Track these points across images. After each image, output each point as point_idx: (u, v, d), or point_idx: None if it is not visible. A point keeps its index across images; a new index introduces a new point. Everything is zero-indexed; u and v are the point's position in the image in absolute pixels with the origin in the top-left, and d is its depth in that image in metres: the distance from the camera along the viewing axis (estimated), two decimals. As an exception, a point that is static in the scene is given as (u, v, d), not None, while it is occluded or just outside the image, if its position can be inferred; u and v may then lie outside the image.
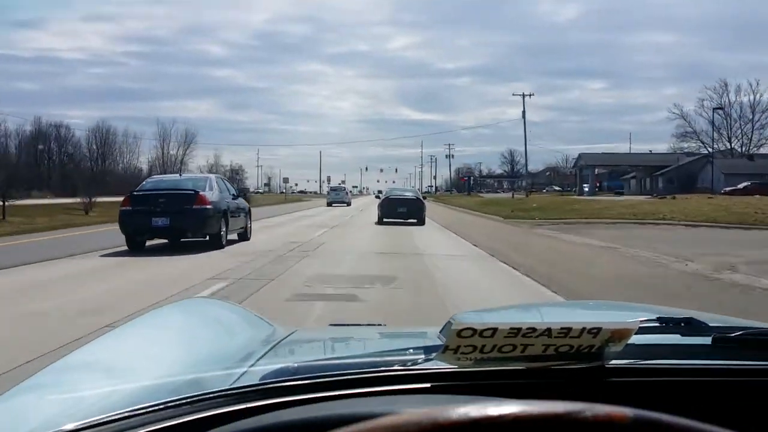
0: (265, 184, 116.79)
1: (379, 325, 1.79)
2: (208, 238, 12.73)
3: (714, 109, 66.22)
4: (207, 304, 1.77)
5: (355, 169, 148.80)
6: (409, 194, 24.86)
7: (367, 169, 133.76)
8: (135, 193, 13.15)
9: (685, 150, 72.10)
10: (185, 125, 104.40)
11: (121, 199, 13.71)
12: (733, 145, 73.09)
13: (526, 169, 64.42)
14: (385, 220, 22.46)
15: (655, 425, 0.40)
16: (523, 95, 59.97)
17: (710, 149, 66.28)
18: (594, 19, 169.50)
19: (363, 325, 1.90)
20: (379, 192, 71.81)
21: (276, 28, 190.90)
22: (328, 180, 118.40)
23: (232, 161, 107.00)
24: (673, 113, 75.56)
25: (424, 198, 29.24)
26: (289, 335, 1.36)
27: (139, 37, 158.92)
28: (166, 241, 12.99)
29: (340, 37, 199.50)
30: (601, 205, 29.64)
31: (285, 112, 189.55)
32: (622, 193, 63.75)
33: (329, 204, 47.42)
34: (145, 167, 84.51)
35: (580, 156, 77.56)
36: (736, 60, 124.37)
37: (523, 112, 57.75)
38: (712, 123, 65.76)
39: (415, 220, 21.99)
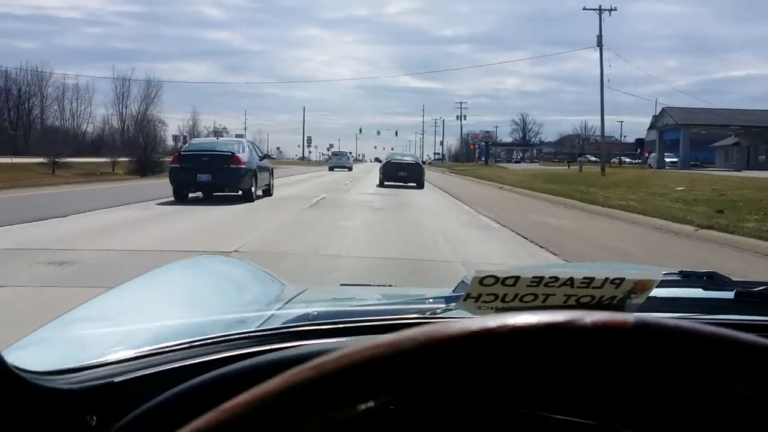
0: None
1: (389, 286, 1.90)
2: (241, 192, 16.99)
3: None
4: (215, 261, 1.89)
5: (351, 135, 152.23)
6: (409, 159, 29.08)
7: (361, 131, 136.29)
8: (182, 153, 17.43)
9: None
10: (148, 76, 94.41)
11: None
12: None
13: (602, 127, 44.10)
14: (386, 183, 26.60)
15: (658, 330, 0.43)
16: (600, 10, 42.17)
17: None
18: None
19: (374, 285, 2.10)
20: (377, 159, 74.99)
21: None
22: (309, 141, 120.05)
23: (216, 122, 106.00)
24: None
25: (424, 163, 32.71)
26: (301, 293, 1.46)
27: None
28: (200, 194, 17.12)
29: (339, 1, 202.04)
30: None
31: (281, 77, 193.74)
32: (699, 166, 51.80)
33: (331, 168, 55.79)
34: (93, 126, 76.01)
35: (664, 112, 59.95)
36: (737, 32, 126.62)
37: (599, 37, 41.69)
38: None
39: (414, 184, 26.09)
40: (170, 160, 17.76)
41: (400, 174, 26.63)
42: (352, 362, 0.43)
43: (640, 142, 76.37)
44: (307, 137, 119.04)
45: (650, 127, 65.87)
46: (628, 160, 69.43)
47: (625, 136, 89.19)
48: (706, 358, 0.43)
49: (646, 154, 66.87)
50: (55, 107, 77.33)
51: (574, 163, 60.02)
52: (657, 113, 63.73)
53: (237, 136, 50.45)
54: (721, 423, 0.56)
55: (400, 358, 0.43)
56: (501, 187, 27.42)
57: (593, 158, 73.63)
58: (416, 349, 0.42)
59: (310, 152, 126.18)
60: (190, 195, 16.96)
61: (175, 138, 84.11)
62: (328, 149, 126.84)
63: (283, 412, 0.42)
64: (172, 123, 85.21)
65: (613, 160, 62.10)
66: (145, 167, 34.90)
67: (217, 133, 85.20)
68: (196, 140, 21.77)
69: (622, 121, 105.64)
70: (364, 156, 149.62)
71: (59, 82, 79.60)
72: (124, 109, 78.64)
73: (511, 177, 34.58)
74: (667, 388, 0.54)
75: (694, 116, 55.56)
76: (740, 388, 0.44)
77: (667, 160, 55.18)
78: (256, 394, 0.43)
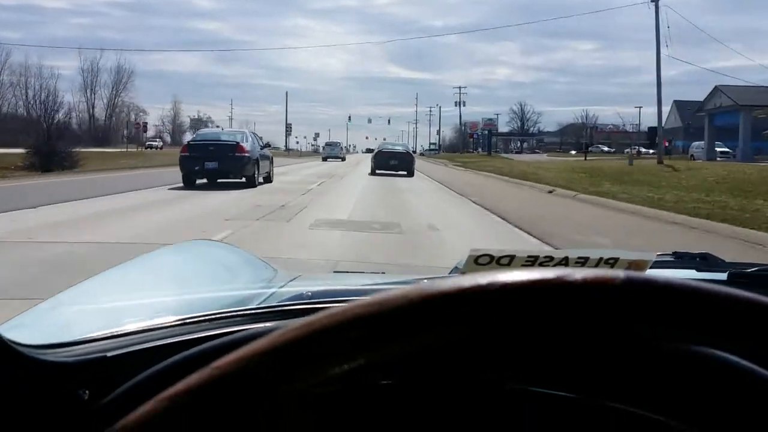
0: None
1: (383, 273, 1.94)
2: (244, 179, 19.35)
3: None
4: (208, 245, 1.87)
5: (342, 126, 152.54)
6: (400, 148, 31.28)
7: (350, 119, 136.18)
8: (191, 142, 20.04)
9: None
10: (118, 60, 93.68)
11: None
12: None
13: (659, 112, 35.09)
14: (377, 171, 28.75)
15: (647, 284, 0.43)
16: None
17: None
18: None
19: (367, 272, 2.12)
20: (369, 149, 77.02)
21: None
22: (289, 129, 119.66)
23: (200, 112, 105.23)
24: None
25: (415, 153, 34.27)
26: (293, 279, 1.50)
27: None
28: (206, 181, 19.27)
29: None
30: None
31: (268, 67, 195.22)
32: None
33: (324, 159, 58.18)
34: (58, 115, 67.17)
35: (717, 91, 49.29)
36: (727, 23, 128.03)
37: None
38: None
39: (405, 172, 28.23)
40: (180, 149, 20.41)
41: (391, 163, 28.69)
42: (342, 320, 0.43)
43: (653, 130, 74.33)
44: (288, 124, 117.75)
45: (698, 110, 54.87)
46: (643, 150, 59.76)
47: (631, 125, 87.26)
48: (697, 313, 0.43)
49: (667, 144, 58.95)
50: (12, 94, 72.94)
51: (589, 153, 57.44)
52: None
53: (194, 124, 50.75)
54: (712, 389, 0.56)
55: (392, 315, 0.43)
56: (552, 191, 19.39)
57: (606, 148, 72.01)
58: (408, 306, 0.43)
59: (297, 142, 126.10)
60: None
61: (134, 126, 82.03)
62: (314, 139, 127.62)
63: (270, 370, 0.43)
64: (154, 113, 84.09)
65: (627, 150, 54.12)
66: (48, 160, 26.03)
67: (200, 122, 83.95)
68: (202, 130, 24.52)
69: (640, 107, 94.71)
70: (355, 147, 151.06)
71: (19, 67, 75.33)
72: (92, 95, 76.40)
73: (541, 173, 26.43)
74: (655, 355, 0.55)
75: (759, 95, 44.73)
76: (732, 346, 0.44)
77: (717, 149, 47.37)
78: (246, 352, 0.44)
